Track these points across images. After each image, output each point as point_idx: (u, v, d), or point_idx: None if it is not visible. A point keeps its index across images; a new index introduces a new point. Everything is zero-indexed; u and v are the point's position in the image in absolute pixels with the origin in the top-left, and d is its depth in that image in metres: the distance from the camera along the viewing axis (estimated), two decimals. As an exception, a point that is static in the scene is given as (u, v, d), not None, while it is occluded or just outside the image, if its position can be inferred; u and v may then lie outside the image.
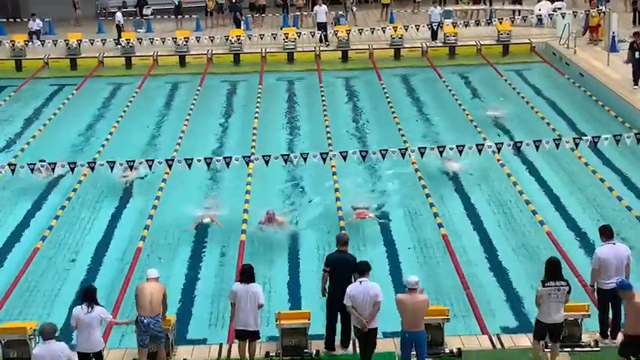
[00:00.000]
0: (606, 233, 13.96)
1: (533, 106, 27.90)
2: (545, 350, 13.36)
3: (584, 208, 20.22)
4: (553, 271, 13.01)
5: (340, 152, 19.04)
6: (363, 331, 12.98)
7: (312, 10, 39.87)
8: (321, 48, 35.60)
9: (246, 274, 13.46)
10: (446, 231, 18.66)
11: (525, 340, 13.86)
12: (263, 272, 16.69)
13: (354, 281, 13.58)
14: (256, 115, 27.79)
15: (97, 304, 12.85)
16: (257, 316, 13.47)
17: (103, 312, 12.92)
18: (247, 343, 13.58)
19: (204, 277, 17.50)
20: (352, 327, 13.48)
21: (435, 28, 36.15)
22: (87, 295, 12.90)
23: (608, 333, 13.94)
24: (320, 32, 36.21)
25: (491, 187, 21.48)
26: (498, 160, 22.22)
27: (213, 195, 21.27)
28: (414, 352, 12.90)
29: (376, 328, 13.09)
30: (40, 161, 18.98)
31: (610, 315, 13.95)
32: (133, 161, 18.83)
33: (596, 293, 13.96)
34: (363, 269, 13.20)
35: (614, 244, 13.86)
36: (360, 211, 19.52)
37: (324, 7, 36.65)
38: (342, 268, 13.69)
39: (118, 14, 38.29)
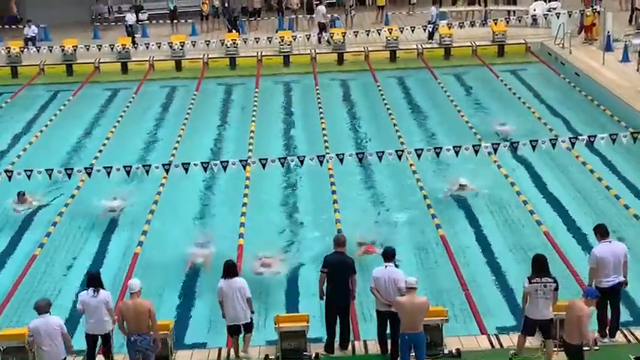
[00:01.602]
0: (601, 232, 14.00)
1: (529, 106, 27.94)
2: (544, 350, 13.41)
3: (581, 207, 20.24)
4: (539, 267, 13.21)
5: (337, 154, 19.05)
6: (388, 312, 13.27)
7: (307, 14, 39.98)
8: (317, 51, 35.62)
9: (229, 270, 13.64)
10: (444, 232, 18.68)
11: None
12: (261, 275, 16.77)
13: (352, 283, 13.71)
14: (253, 118, 27.81)
15: (102, 289, 13.28)
16: (246, 309, 13.60)
17: (108, 297, 13.28)
18: (243, 337, 13.74)
19: (202, 281, 17.48)
20: (375, 311, 13.71)
21: (431, 29, 36.17)
22: (91, 280, 13.32)
23: (607, 331, 13.95)
24: (320, 32, 36.52)
25: (488, 187, 21.45)
26: (495, 162, 22.23)
27: (206, 233, 19.43)
28: (412, 354, 12.93)
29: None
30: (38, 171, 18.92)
31: (609, 314, 13.97)
32: (130, 166, 18.81)
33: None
34: (389, 254, 13.64)
35: (610, 242, 13.90)
36: (367, 246, 18.46)
37: (322, 7, 37.03)
38: (340, 270, 13.72)
39: (129, 15, 38.32)
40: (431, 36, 36.29)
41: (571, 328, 12.36)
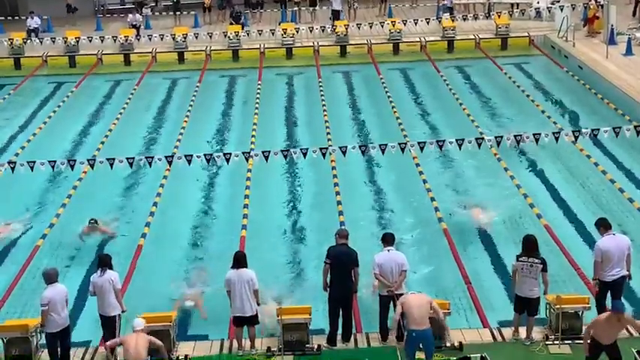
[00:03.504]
0: (604, 225, 14.02)
1: (532, 99, 27.91)
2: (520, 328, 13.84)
3: (584, 200, 20.23)
4: (528, 247, 13.60)
5: (340, 147, 19.05)
6: (391, 296, 13.52)
7: (310, 6, 39.90)
8: (319, 43, 35.54)
9: (239, 261, 13.73)
10: (446, 225, 18.67)
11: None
12: (264, 266, 16.74)
13: (355, 276, 13.73)
14: (256, 110, 27.79)
15: (110, 269, 13.67)
16: (253, 301, 13.63)
17: (114, 276, 13.63)
18: (247, 333, 13.78)
19: (206, 272, 17.49)
20: (378, 296, 13.91)
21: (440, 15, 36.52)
22: (100, 261, 13.85)
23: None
24: (333, 20, 36.82)
25: (489, 180, 21.48)
26: (495, 155, 22.21)
27: (199, 268, 17.73)
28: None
29: (402, 294, 13.31)
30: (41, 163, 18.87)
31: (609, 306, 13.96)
32: (133, 158, 18.83)
33: (597, 285, 13.96)
34: (389, 239, 13.91)
35: (614, 235, 13.91)
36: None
37: None
38: (343, 262, 13.74)
39: (131, 16, 38.04)
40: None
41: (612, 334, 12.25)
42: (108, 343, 12.80)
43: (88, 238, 18.88)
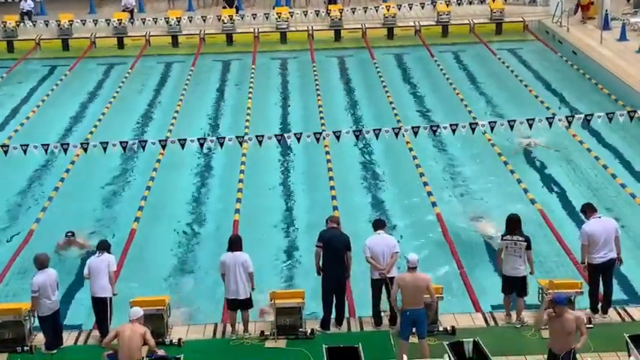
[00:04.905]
0: (589, 208, 14.05)
1: (526, 84, 27.91)
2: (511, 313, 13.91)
3: (577, 186, 20.27)
4: (511, 226, 13.69)
5: (333, 132, 19.06)
6: (383, 279, 13.58)
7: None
8: (314, 27, 35.42)
9: (234, 243, 13.76)
10: (439, 209, 18.70)
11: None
12: (257, 252, 16.77)
13: (347, 260, 13.74)
14: (249, 95, 27.76)
15: (108, 252, 13.75)
16: (247, 284, 13.64)
17: (112, 259, 13.72)
18: (241, 314, 13.78)
19: (199, 256, 17.53)
20: (370, 280, 13.89)
21: None
22: (99, 246, 13.98)
23: (599, 308, 13.99)
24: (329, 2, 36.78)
25: (484, 165, 21.51)
26: (489, 140, 22.22)
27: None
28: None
29: (394, 277, 13.28)
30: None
31: (601, 290, 14.02)
32: (127, 142, 18.80)
33: (586, 268, 14.01)
34: (379, 225, 14.03)
35: (599, 217, 13.93)
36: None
37: None
38: (335, 245, 13.73)
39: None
40: None
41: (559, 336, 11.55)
42: (105, 340, 12.67)
43: (65, 252, 17.70)
